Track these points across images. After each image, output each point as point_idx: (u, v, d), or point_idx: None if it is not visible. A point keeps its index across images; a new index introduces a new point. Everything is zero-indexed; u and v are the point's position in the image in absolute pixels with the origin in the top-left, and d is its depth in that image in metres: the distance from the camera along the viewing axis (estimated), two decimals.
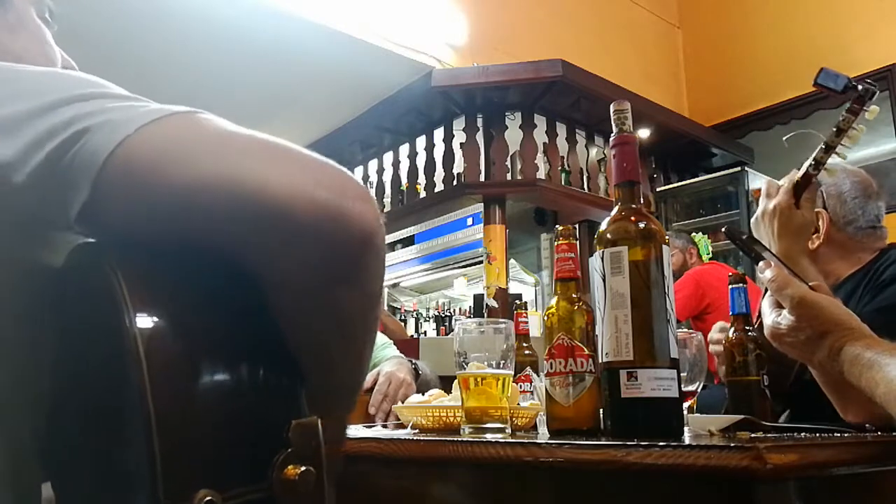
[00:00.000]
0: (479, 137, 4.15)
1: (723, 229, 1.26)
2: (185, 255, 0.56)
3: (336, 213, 0.52)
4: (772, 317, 1.04)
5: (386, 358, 1.89)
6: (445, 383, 1.26)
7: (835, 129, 1.24)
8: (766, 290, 1.06)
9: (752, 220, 1.42)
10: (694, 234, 4.12)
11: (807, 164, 1.31)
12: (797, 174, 1.34)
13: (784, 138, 1.65)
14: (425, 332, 5.75)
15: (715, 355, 1.33)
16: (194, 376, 0.51)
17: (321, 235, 0.52)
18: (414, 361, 1.89)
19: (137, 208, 0.54)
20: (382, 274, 0.59)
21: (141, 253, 0.54)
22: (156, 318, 0.51)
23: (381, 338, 1.97)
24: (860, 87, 1.21)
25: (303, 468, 0.53)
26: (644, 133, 4.50)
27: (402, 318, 6.00)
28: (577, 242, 1.11)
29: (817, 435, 0.84)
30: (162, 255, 0.55)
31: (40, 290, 0.57)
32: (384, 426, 1.47)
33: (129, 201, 0.53)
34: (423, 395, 1.35)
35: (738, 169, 4.57)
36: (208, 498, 0.47)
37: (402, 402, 1.69)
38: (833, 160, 1.27)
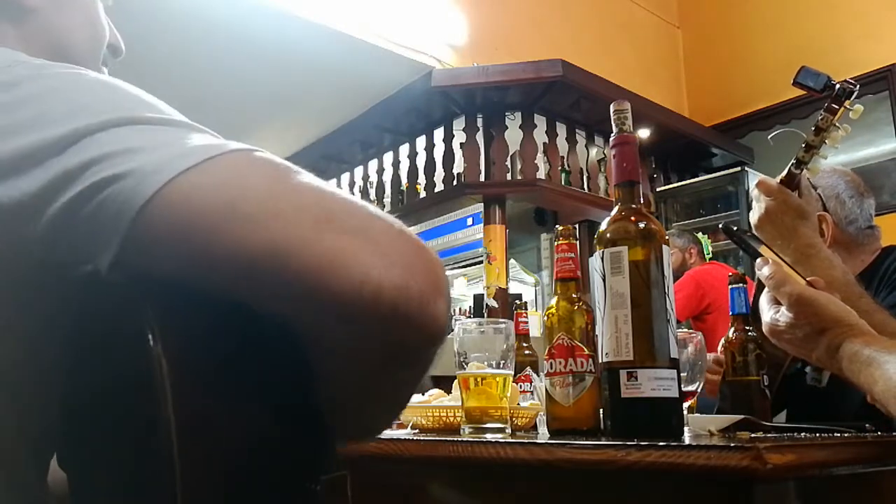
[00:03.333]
0: (479, 137, 4.14)
1: (720, 225, 1.25)
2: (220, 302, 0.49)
3: (413, 313, 0.45)
4: (770, 313, 1.04)
5: None
6: (446, 383, 1.26)
7: (813, 128, 1.23)
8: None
9: (756, 219, 1.34)
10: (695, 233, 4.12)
11: (790, 164, 1.30)
12: (782, 175, 1.33)
13: (769, 136, 1.64)
14: None
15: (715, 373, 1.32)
16: (223, 434, 0.48)
17: (389, 331, 0.45)
18: None
19: (177, 269, 0.47)
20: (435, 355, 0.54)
21: (173, 288, 0.49)
22: (185, 367, 0.46)
23: None
24: (837, 86, 1.20)
25: None
26: (644, 133, 4.50)
27: None
28: (577, 242, 1.11)
29: (817, 435, 0.84)
30: (195, 294, 0.49)
31: (59, 313, 0.53)
32: None
33: (164, 260, 0.46)
34: (422, 394, 1.35)
35: (738, 169, 4.57)
36: None
37: None
38: (817, 160, 1.26)
